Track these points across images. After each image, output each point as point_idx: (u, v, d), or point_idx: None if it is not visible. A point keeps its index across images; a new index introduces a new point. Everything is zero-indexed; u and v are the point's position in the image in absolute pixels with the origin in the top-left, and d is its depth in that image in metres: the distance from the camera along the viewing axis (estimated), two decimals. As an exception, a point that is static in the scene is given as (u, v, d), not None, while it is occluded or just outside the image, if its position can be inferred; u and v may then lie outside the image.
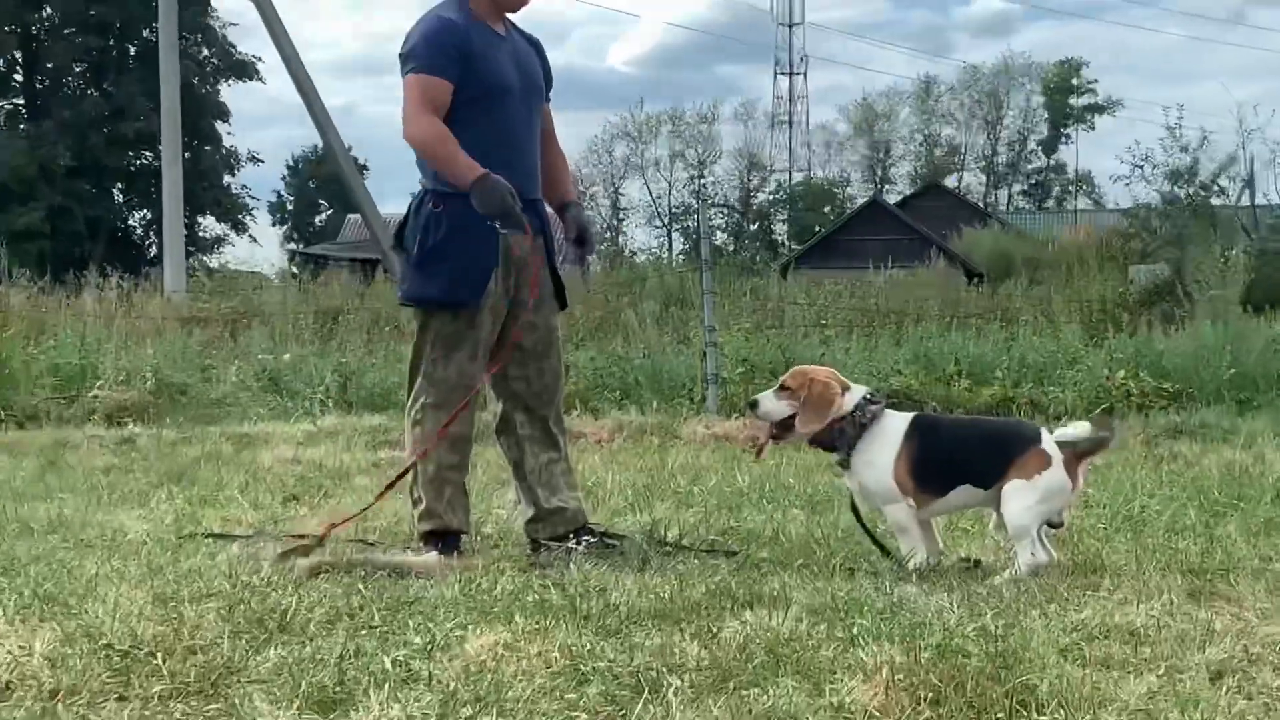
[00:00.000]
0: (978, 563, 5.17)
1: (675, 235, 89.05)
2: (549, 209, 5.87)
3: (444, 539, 5.58)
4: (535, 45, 5.93)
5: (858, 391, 5.27)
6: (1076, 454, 5.05)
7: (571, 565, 5.12)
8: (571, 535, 5.68)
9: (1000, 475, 5.00)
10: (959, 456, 5.16)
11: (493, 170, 5.44)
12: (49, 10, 57.74)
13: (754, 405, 5.46)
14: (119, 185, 58.92)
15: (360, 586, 4.67)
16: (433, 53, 5.50)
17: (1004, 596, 4.43)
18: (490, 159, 5.46)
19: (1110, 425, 5.32)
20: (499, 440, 5.95)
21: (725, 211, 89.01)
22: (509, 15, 5.81)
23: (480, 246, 5.53)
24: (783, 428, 5.35)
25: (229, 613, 4.28)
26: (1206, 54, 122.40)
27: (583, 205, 5.96)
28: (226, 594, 4.56)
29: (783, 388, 5.35)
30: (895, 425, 5.22)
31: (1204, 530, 5.92)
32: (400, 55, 5.59)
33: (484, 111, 5.53)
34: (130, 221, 60.93)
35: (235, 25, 62.25)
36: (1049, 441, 5.03)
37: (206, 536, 6.06)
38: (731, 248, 76.40)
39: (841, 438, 5.22)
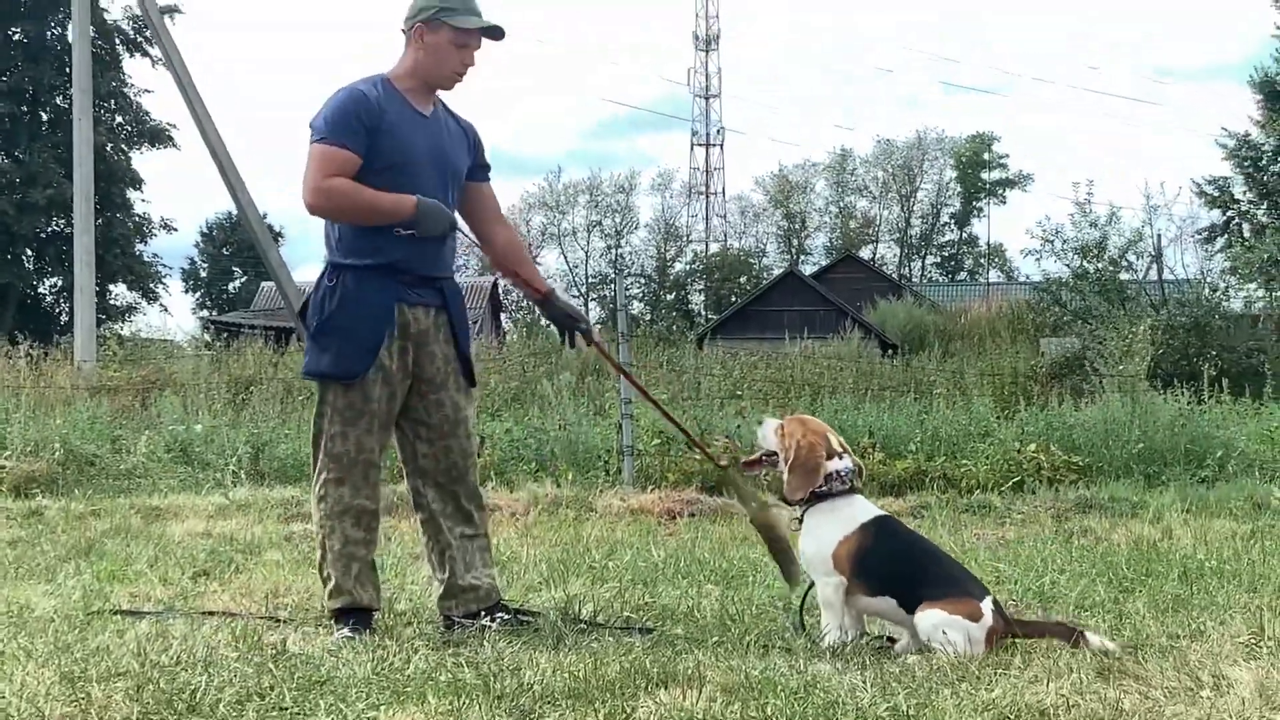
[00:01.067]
0: (892, 640, 5.18)
1: (592, 304, 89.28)
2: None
3: (355, 615, 5.53)
4: (466, 130, 5.92)
5: (840, 464, 5.28)
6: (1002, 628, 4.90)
7: (485, 643, 5.09)
8: (485, 613, 5.65)
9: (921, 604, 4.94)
10: (900, 571, 5.11)
11: (398, 244, 5.49)
12: (-40, 75, 57.25)
13: (760, 423, 5.56)
14: (29, 252, 58.25)
15: (271, 666, 4.62)
16: (337, 124, 5.48)
17: (916, 675, 4.45)
18: (389, 230, 5.49)
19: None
20: (416, 515, 5.93)
21: (642, 281, 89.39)
22: (442, 94, 5.83)
23: (369, 318, 5.52)
24: (766, 459, 5.46)
25: (137, 692, 4.21)
26: (1116, 131, 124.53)
27: (554, 291, 5.93)
28: (135, 673, 4.49)
29: (782, 427, 5.42)
30: (857, 512, 5.22)
31: (1113, 606, 5.99)
32: (310, 124, 5.58)
33: (389, 184, 5.50)
34: (40, 289, 60.23)
35: (150, 92, 61.86)
36: (988, 601, 4.92)
37: (115, 613, 5.98)
38: (648, 317, 76.69)
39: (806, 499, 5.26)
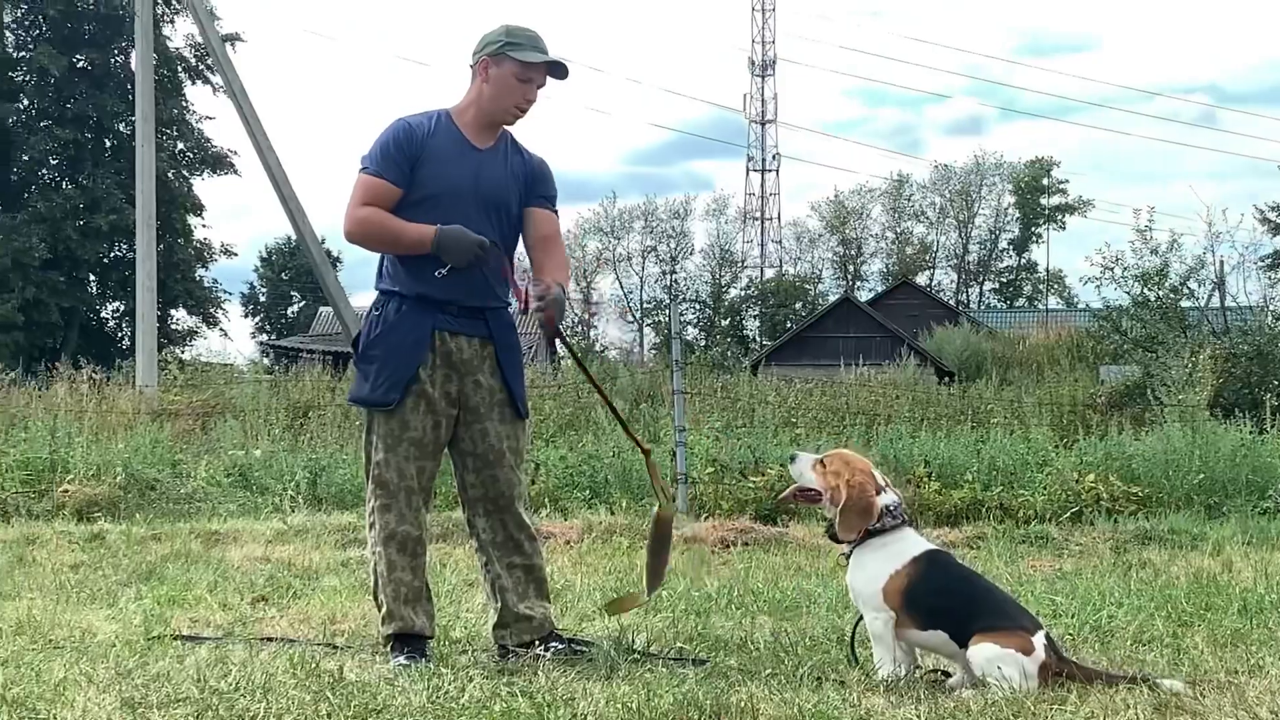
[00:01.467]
0: (946, 674, 5.17)
1: (647, 330, 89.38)
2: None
3: (409, 642, 5.58)
4: (530, 164, 5.94)
5: (888, 498, 5.26)
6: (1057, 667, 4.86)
7: (540, 673, 5.12)
8: (539, 642, 5.68)
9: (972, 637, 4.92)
10: (951, 605, 5.08)
11: (434, 276, 5.56)
12: (25, 102, 57.96)
13: (792, 459, 5.49)
14: (93, 277, 58.92)
15: (328, 693, 4.66)
16: (382, 156, 5.65)
17: (970, 710, 4.43)
18: (430, 262, 5.56)
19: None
20: (471, 542, 5.98)
21: (697, 307, 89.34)
22: (509, 129, 5.89)
23: (405, 347, 5.61)
24: (803, 495, 5.42)
25: (197, 719, 4.27)
26: (1176, 156, 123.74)
27: (563, 287, 5.88)
28: (195, 699, 4.55)
29: (821, 462, 5.37)
30: (908, 547, 5.21)
31: (1171, 641, 5.95)
32: (360, 156, 5.75)
33: (427, 213, 5.59)
34: (104, 313, 60.92)
35: (211, 119, 62.57)
36: (1041, 636, 4.90)
37: (175, 638, 6.05)
38: (703, 343, 76.64)
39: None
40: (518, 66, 5.69)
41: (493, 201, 5.77)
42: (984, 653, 4.83)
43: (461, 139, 5.75)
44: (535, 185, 5.94)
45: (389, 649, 5.60)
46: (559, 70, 5.78)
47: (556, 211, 6.04)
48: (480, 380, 5.73)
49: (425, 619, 5.68)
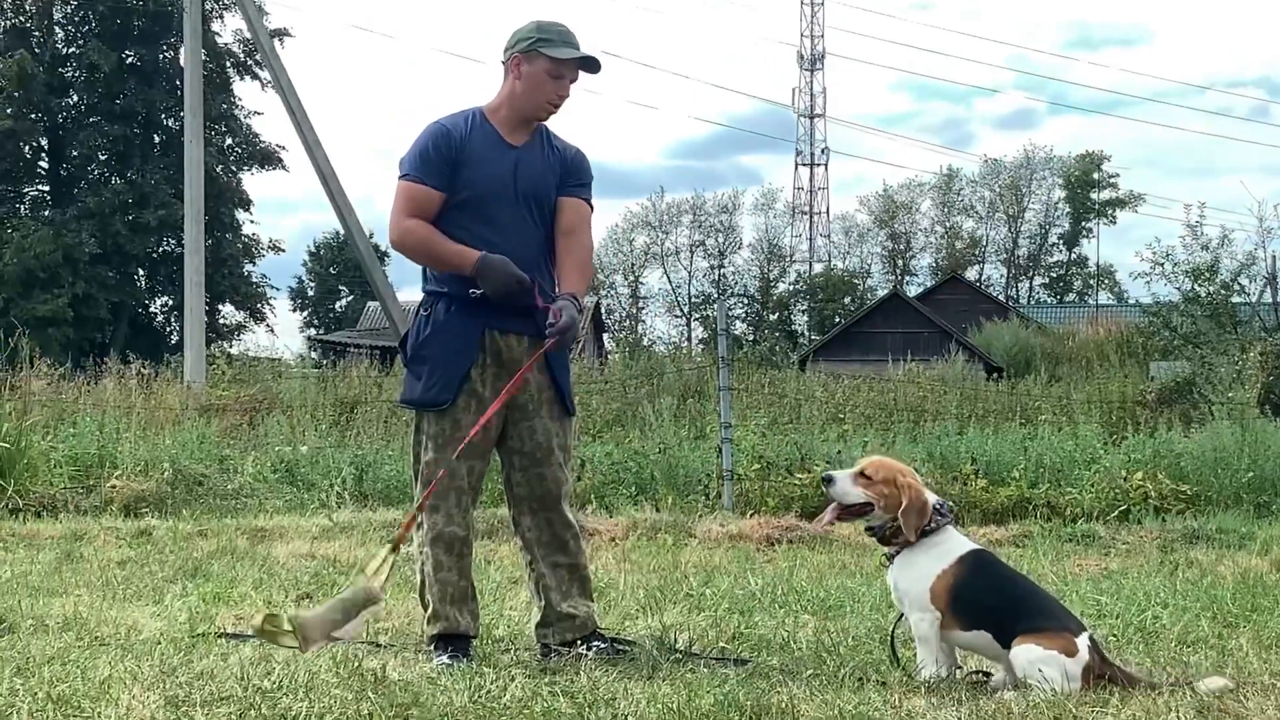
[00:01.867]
0: (987, 675, 5.14)
1: (695, 324, 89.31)
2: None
3: (453, 642, 5.60)
4: (566, 155, 5.92)
5: (934, 497, 5.25)
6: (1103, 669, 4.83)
7: (581, 672, 5.12)
8: (581, 641, 5.69)
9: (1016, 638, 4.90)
10: (995, 605, 5.05)
11: (469, 293, 5.58)
12: (75, 98, 58.46)
13: (829, 481, 5.35)
14: (141, 272, 59.35)
15: (370, 693, 4.68)
16: (422, 161, 5.67)
17: (1013, 712, 4.41)
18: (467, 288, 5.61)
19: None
20: (516, 540, 5.99)
21: (745, 301, 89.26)
22: (545, 123, 5.89)
23: (457, 347, 5.63)
24: (849, 512, 5.32)
25: (240, 718, 4.29)
26: (1228, 151, 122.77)
27: (577, 302, 5.82)
28: (238, 698, 4.57)
29: (861, 474, 5.29)
30: (954, 546, 5.19)
31: (1216, 642, 5.90)
32: (399, 161, 5.76)
33: (470, 215, 5.63)
34: (152, 308, 61.37)
35: (259, 114, 62.87)
36: (1085, 637, 4.87)
37: (219, 636, 6.08)
38: (751, 338, 76.54)
39: (899, 536, 5.21)
40: (550, 63, 5.70)
41: (533, 198, 5.78)
42: (1027, 654, 4.80)
43: (497, 137, 5.75)
44: (569, 175, 5.92)
45: (433, 648, 5.62)
46: (591, 65, 5.78)
47: (589, 199, 5.99)
48: (529, 378, 5.72)
49: (470, 619, 5.69)
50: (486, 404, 5.63)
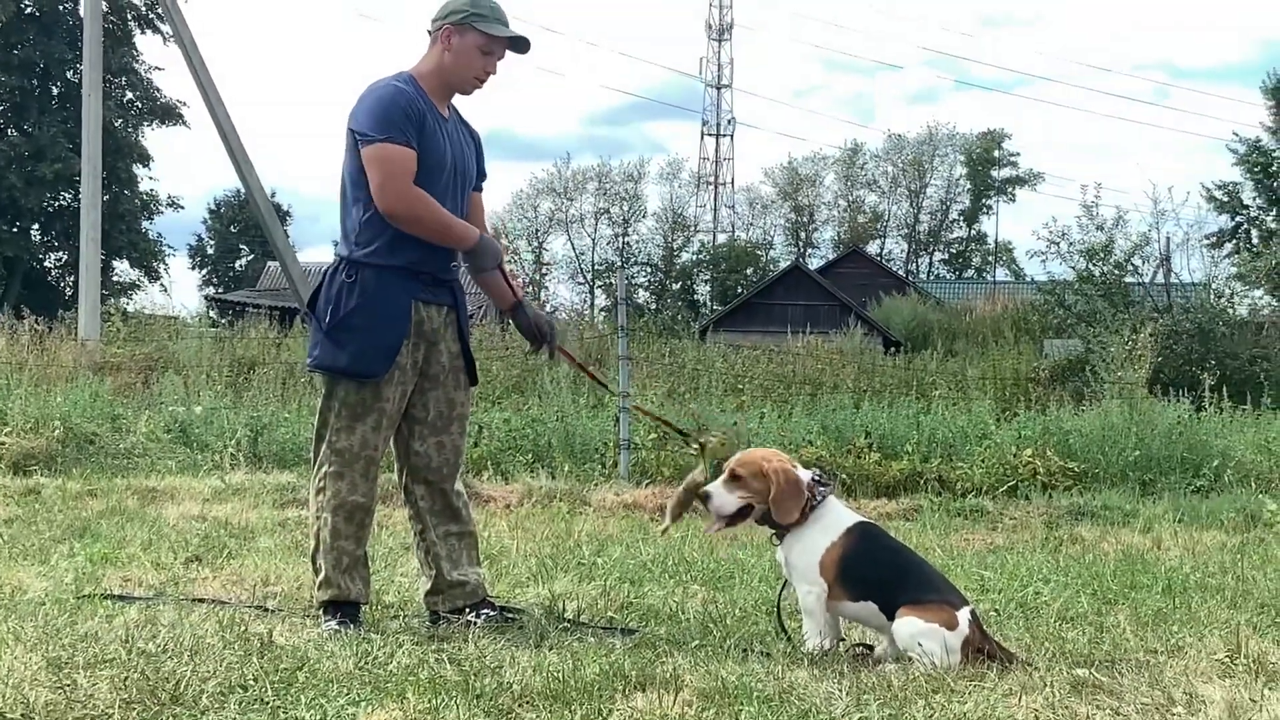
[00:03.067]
0: (869, 647, 5.22)
1: (598, 292, 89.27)
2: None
3: (343, 608, 5.58)
4: (474, 137, 5.94)
5: (806, 473, 5.28)
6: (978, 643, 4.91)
7: (469, 640, 5.14)
8: (470, 609, 5.70)
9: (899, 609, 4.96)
10: (881, 576, 5.12)
11: (415, 245, 5.53)
12: (-30, 49, 57.31)
13: (706, 499, 5.31)
14: (36, 226, 58.36)
15: (255, 658, 4.66)
16: (394, 123, 5.46)
17: (891, 685, 4.48)
18: (443, 252, 5.63)
19: None
20: (406, 509, 5.98)
21: (648, 270, 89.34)
22: (455, 100, 5.85)
23: (391, 318, 5.55)
24: (736, 517, 5.30)
25: (122, 681, 4.26)
26: (1127, 132, 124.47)
27: (523, 301, 5.88)
28: (121, 661, 4.53)
29: (732, 476, 5.28)
30: (841, 518, 5.24)
31: (1094, 619, 6.02)
32: (357, 123, 5.53)
33: (421, 186, 5.55)
34: (46, 263, 60.37)
35: (161, 69, 61.81)
36: (966, 611, 4.93)
37: (105, 598, 6.03)
38: (653, 307, 76.65)
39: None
40: (482, 38, 5.64)
41: (463, 175, 5.78)
42: (909, 627, 4.88)
43: (434, 108, 5.69)
44: (480, 157, 5.96)
45: (322, 613, 5.60)
46: (520, 44, 5.75)
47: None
48: (443, 348, 5.74)
49: (362, 586, 5.68)
50: (405, 375, 5.61)
